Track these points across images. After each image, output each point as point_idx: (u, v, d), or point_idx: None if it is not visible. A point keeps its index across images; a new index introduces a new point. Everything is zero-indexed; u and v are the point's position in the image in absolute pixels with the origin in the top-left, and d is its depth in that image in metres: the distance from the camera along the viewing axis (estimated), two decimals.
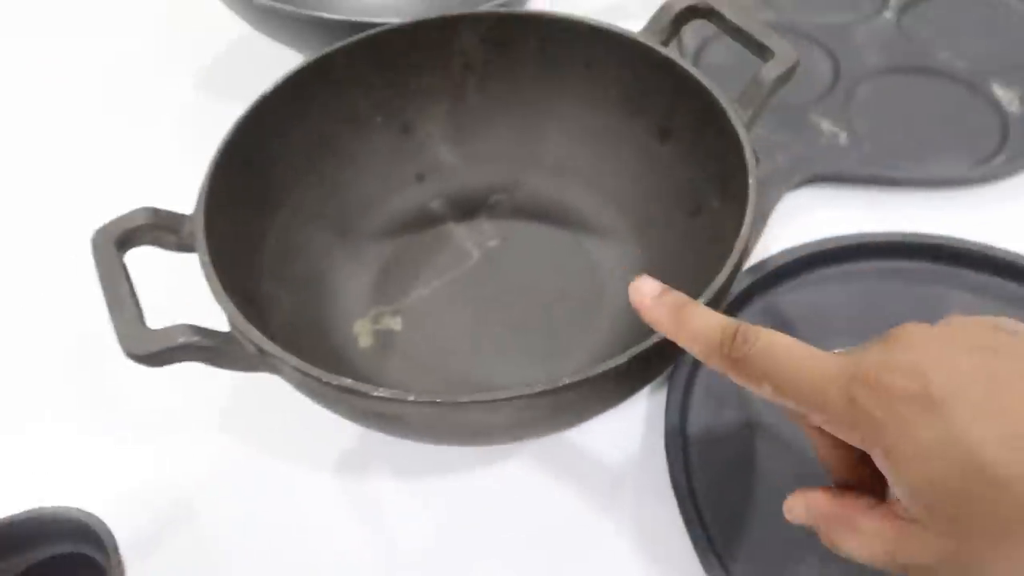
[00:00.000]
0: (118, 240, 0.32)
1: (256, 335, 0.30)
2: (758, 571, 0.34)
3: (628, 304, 0.42)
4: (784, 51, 0.38)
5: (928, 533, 0.23)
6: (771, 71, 0.37)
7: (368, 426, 0.33)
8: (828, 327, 0.42)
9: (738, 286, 0.43)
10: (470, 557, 0.36)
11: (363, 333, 0.42)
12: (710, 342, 0.27)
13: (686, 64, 0.40)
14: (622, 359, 0.29)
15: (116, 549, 0.32)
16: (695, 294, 0.30)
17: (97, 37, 0.64)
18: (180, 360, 0.30)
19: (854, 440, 0.24)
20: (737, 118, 0.37)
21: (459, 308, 0.43)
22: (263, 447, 0.40)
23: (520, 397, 0.28)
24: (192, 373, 0.37)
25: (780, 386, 0.25)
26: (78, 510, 0.33)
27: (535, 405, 0.29)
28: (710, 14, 0.41)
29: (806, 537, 0.34)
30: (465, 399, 0.28)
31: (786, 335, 0.26)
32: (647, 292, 0.29)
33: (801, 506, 0.27)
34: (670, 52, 0.40)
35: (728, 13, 0.40)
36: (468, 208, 0.47)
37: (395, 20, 0.44)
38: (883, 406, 0.23)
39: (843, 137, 0.52)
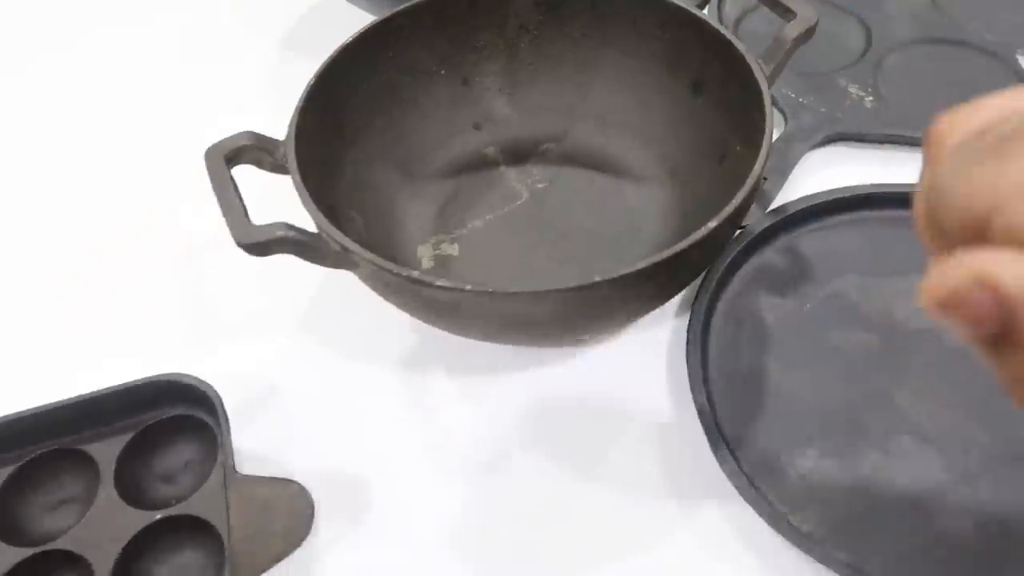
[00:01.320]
0: (226, 156, 0.38)
1: (339, 235, 0.36)
2: (760, 459, 0.39)
3: (661, 241, 0.47)
4: (805, 12, 0.42)
5: None
6: (792, 30, 0.42)
7: (429, 319, 0.38)
8: (841, 266, 0.47)
9: (760, 226, 0.47)
10: (510, 446, 0.41)
11: (425, 257, 0.48)
12: None
13: (716, 24, 0.44)
14: (644, 263, 0.34)
15: (225, 412, 0.39)
16: None
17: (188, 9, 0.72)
18: (278, 251, 0.36)
19: None
20: (760, 72, 0.42)
21: (509, 239, 0.49)
22: (337, 344, 0.46)
23: (560, 290, 0.34)
24: (279, 281, 0.44)
25: None
26: (195, 377, 0.40)
27: (572, 300, 0.34)
28: None
29: (805, 435, 0.40)
30: (513, 289, 0.34)
31: None
32: None
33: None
34: (703, 14, 0.45)
35: None
36: (520, 154, 0.53)
37: None
38: None
39: (868, 101, 0.56)
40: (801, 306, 0.45)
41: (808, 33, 0.42)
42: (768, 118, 0.40)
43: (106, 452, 0.40)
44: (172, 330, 0.48)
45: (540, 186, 0.51)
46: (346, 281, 0.40)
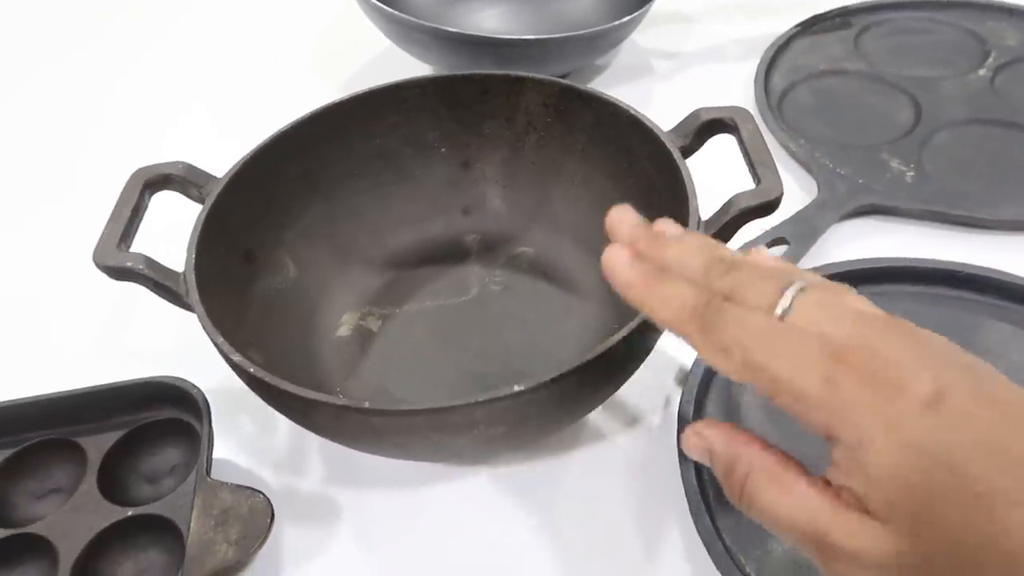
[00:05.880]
0: (147, 181, 0.41)
1: (209, 326, 0.35)
2: None
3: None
4: (769, 185, 0.38)
5: (881, 527, 0.21)
6: (744, 199, 0.37)
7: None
8: None
9: None
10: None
11: (345, 324, 0.47)
12: (683, 305, 0.25)
13: (686, 176, 0.40)
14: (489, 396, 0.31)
15: (210, 415, 0.39)
16: None
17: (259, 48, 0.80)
18: (134, 280, 0.37)
19: (817, 419, 0.22)
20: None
21: (434, 331, 0.47)
22: None
23: (407, 412, 0.32)
24: None
25: (750, 356, 0.23)
26: (186, 381, 0.41)
27: (425, 421, 0.32)
28: (732, 129, 0.41)
29: None
30: (340, 403, 0.32)
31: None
32: (618, 257, 0.28)
33: (713, 434, 0.26)
34: (680, 161, 0.41)
35: (745, 134, 0.40)
36: (493, 251, 0.51)
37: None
38: (868, 392, 0.21)
39: (909, 175, 0.55)
40: None
41: (765, 207, 0.37)
42: None
43: (97, 446, 0.40)
44: (174, 336, 0.49)
45: (494, 288, 0.49)
46: None
